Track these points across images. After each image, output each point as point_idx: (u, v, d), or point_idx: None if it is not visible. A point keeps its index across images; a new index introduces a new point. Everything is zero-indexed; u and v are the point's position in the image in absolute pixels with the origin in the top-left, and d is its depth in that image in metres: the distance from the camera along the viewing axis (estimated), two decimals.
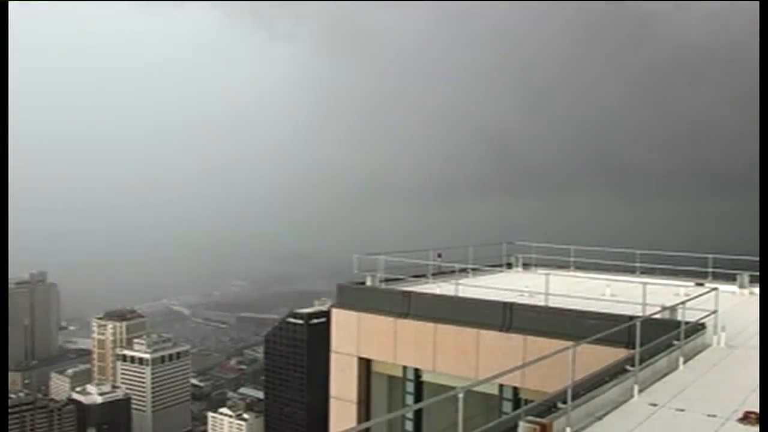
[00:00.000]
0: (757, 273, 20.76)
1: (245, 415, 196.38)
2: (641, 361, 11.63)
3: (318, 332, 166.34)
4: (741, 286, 22.46)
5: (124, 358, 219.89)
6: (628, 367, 11.33)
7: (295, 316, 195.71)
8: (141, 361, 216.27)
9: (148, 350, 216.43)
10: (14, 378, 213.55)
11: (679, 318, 14.44)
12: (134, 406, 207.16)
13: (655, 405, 10.63)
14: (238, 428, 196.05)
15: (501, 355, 16.93)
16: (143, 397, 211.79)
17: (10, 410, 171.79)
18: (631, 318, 13.68)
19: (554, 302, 17.35)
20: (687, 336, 13.63)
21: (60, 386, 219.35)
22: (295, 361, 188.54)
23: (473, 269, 24.25)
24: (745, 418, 9.87)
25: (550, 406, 9.40)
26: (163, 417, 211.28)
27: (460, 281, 20.82)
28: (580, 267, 25.41)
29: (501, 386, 17.11)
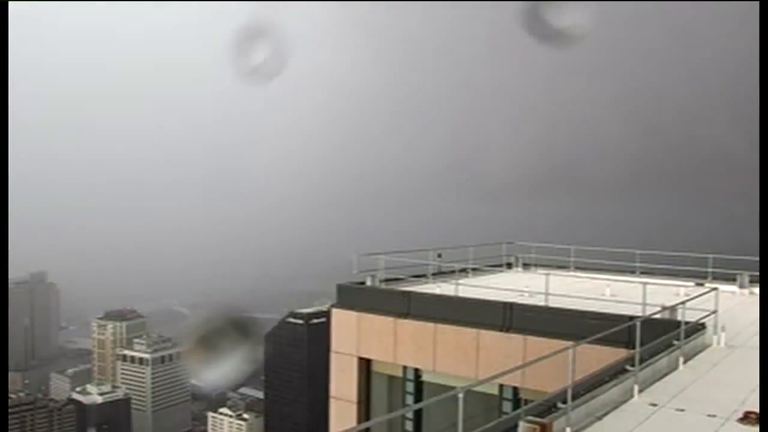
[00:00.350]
0: (757, 273, 20.78)
1: (245, 415, 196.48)
2: (641, 361, 11.64)
3: (318, 332, 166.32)
4: (741, 286, 22.47)
5: (124, 358, 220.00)
6: (628, 367, 11.34)
7: (295, 316, 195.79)
8: (141, 361, 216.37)
9: (148, 350, 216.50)
10: (14, 378, 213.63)
11: (679, 318, 14.45)
12: (134, 406, 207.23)
13: (655, 405, 10.63)
14: (238, 428, 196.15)
15: (501, 355, 16.93)
16: (143, 397, 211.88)
17: (10, 410, 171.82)
18: (631, 318, 13.67)
19: (554, 302, 17.35)
20: (687, 336, 13.63)
21: (60, 386, 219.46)
22: (295, 361, 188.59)
23: (473, 269, 24.27)
24: (745, 418, 9.88)
25: (550, 406, 9.41)
26: (163, 417, 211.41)
27: (460, 281, 20.83)
28: (580, 267, 25.42)
29: (501, 386, 17.12)
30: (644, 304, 15.51)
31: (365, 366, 20.53)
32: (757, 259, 17.86)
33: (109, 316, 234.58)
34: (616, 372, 11.24)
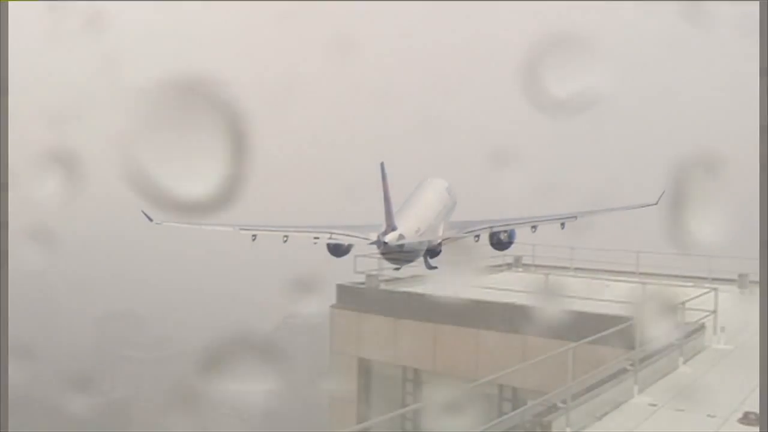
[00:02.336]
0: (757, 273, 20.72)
1: (245, 415, 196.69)
2: (641, 361, 11.64)
3: (318, 332, 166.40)
4: (741, 287, 22.43)
5: (127, 357, 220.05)
6: (628, 367, 11.35)
7: (295, 316, 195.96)
8: (142, 360, 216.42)
9: (148, 350, 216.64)
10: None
11: (679, 318, 14.45)
12: (134, 406, 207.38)
13: (655, 405, 10.65)
14: (238, 428, 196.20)
15: (501, 355, 16.92)
16: (143, 397, 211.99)
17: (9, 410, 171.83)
18: (631, 318, 13.67)
19: (554, 302, 17.32)
20: (687, 336, 13.63)
21: (60, 386, 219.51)
22: (295, 361, 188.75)
23: (473, 269, 24.20)
24: (745, 418, 9.89)
25: (550, 406, 9.42)
26: (163, 417, 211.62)
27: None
28: (580, 267, 25.37)
29: (501, 386, 17.10)
30: (644, 305, 15.47)
31: (365, 366, 20.52)
32: (757, 259, 17.80)
33: (111, 315, 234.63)
34: (616, 372, 11.26)
